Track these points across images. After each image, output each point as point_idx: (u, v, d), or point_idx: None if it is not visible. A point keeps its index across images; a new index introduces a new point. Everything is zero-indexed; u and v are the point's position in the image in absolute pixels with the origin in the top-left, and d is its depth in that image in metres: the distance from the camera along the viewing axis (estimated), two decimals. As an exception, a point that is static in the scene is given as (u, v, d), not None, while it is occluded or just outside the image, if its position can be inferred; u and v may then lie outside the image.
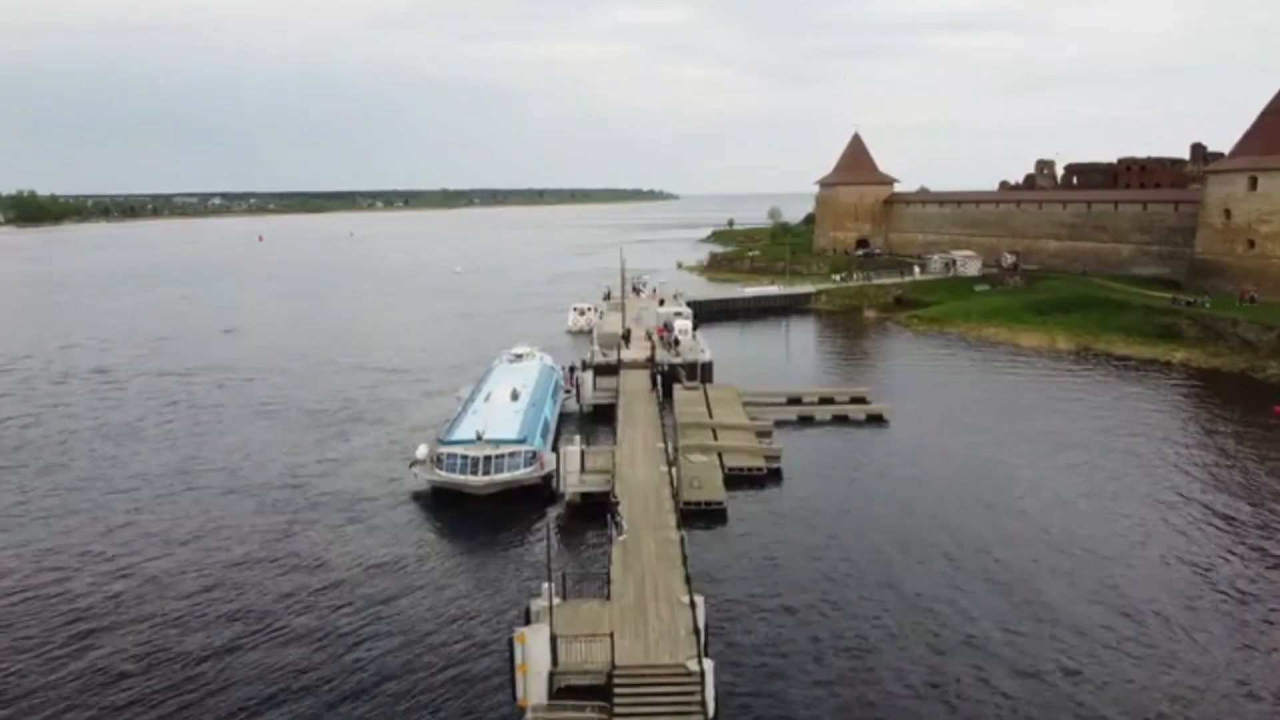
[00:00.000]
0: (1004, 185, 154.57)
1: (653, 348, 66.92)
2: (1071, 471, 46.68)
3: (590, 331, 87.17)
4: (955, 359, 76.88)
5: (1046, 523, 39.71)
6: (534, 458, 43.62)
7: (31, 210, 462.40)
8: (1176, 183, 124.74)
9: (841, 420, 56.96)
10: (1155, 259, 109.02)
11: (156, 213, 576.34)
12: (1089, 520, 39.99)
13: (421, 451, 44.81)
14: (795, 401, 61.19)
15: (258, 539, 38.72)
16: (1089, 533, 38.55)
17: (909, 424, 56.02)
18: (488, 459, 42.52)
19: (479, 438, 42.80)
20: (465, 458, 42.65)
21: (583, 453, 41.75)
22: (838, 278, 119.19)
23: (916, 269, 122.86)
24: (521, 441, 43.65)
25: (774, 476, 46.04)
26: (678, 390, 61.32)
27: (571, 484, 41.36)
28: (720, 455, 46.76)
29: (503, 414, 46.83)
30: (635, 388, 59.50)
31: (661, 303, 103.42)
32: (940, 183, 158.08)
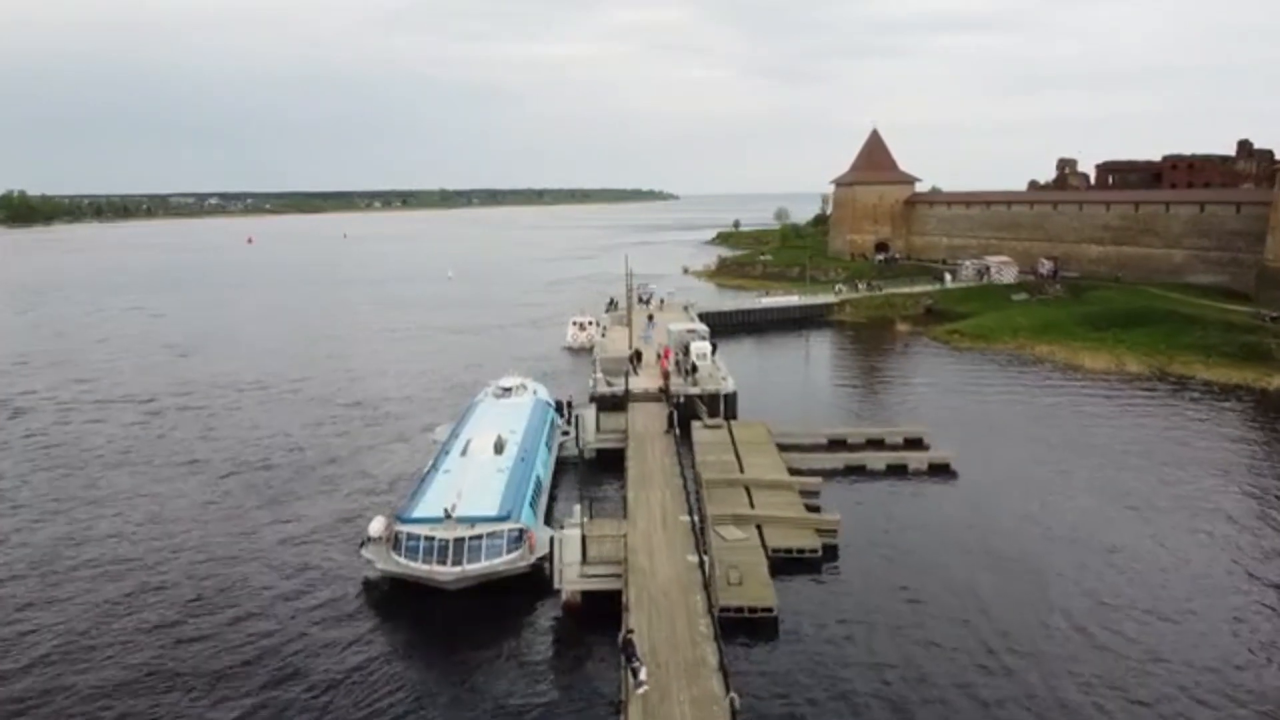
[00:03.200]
0: (1034, 185, 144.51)
1: (666, 376, 56.72)
2: (1199, 544, 36.70)
3: (591, 349, 77.06)
4: (1011, 385, 66.67)
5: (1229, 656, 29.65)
6: (521, 539, 33.53)
7: (21, 211, 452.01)
8: (1228, 181, 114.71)
9: (899, 471, 46.76)
10: (1213, 266, 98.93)
11: (151, 213, 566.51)
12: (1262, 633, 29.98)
13: (376, 527, 34.71)
14: (838, 444, 51.12)
15: (139, 661, 28.64)
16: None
17: (979, 475, 45.92)
18: (460, 543, 32.44)
19: (448, 515, 32.65)
20: (431, 541, 32.57)
21: (584, 538, 31.59)
22: (841, 288, 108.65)
23: (948, 276, 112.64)
24: (504, 518, 33.51)
25: (830, 555, 35.95)
26: (697, 430, 51.27)
27: (570, 578, 31.25)
28: (761, 529, 36.67)
29: (482, 477, 36.70)
30: (647, 428, 49.41)
31: (678, 307, 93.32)
32: (942, 183, 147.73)
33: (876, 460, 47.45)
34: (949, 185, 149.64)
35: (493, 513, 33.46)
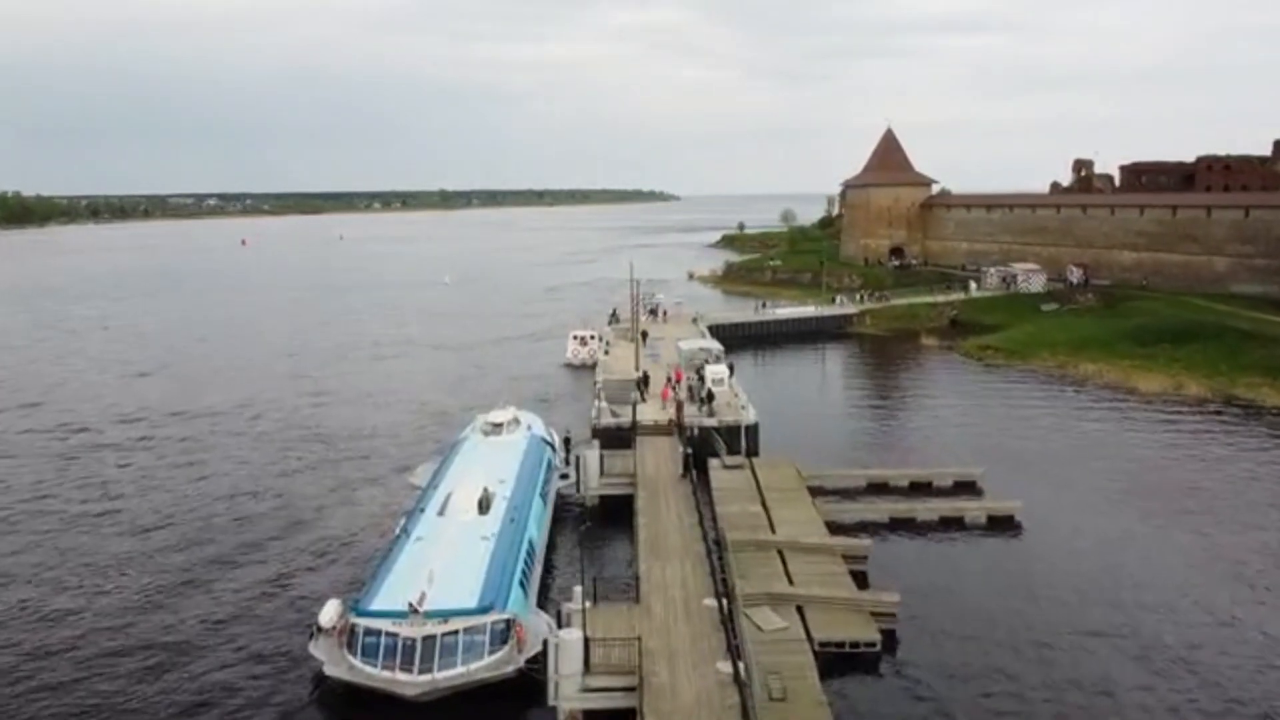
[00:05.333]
0: (1056, 188, 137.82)
1: (679, 406, 49.92)
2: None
3: (593, 366, 70.39)
4: (1059, 411, 59.88)
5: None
6: (506, 633, 26.80)
7: (16, 211, 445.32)
8: (1268, 184, 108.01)
9: (953, 524, 39.97)
10: (1260, 274, 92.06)
11: (149, 214, 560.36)
12: None
13: (328, 614, 27.94)
14: (879, 488, 44.42)
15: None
16: None
17: (1049, 530, 39.15)
18: (429, 643, 25.73)
19: (413, 610, 25.89)
20: (393, 640, 25.86)
21: (587, 640, 24.86)
22: (842, 299, 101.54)
23: (972, 284, 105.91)
24: (486, 609, 26.74)
25: (889, 645, 29.12)
26: (716, 471, 44.56)
27: (569, 694, 24.47)
28: (803, 613, 29.90)
29: (461, 549, 29.94)
30: (659, 471, 42.73)
31: (686, 319, 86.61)
32: (946, 184, 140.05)
33: (927, 511, 40.64)
34: (952, 186, 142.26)
35: (471, 603, 26.69)
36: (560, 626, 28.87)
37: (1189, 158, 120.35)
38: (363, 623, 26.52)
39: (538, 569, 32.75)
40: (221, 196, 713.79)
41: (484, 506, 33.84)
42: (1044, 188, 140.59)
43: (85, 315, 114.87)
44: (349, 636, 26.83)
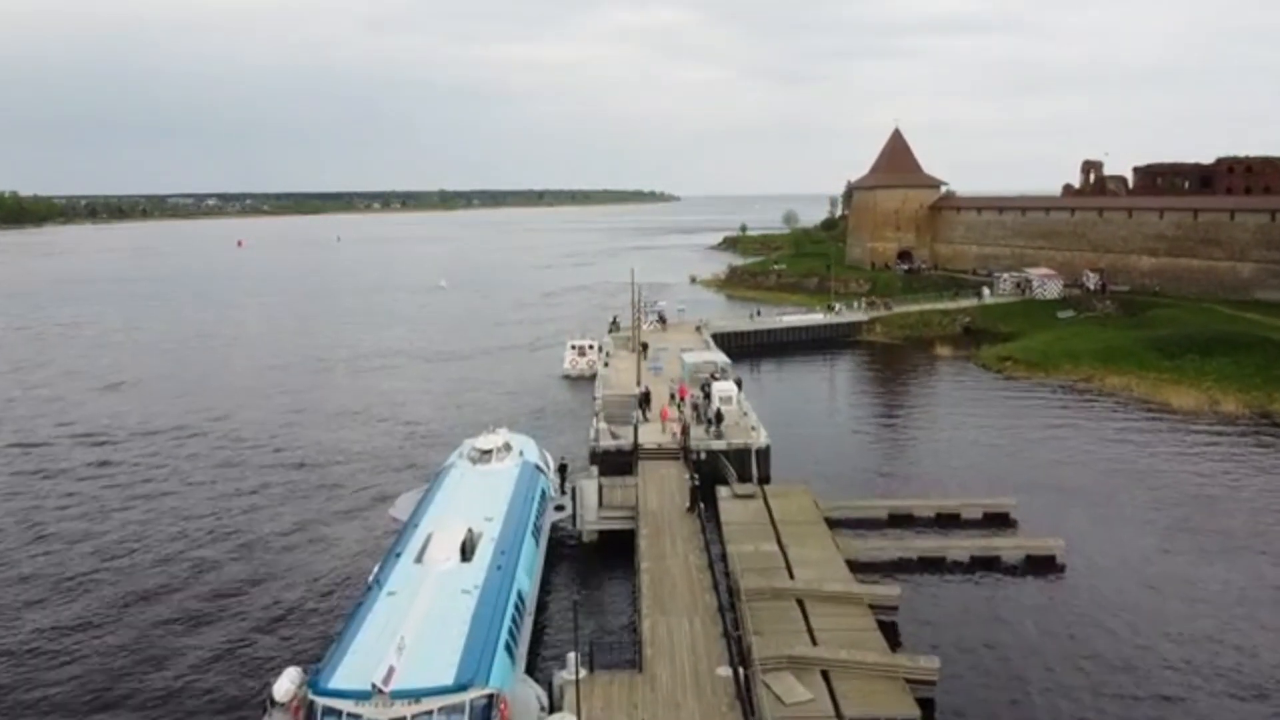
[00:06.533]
0: (1069, 190, 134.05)
1: (684, 429, 46.14)
2: None
3: (592, 377, 66.73)
4: (1089, 430, 56.10)
5: None
6: (489, 711, 22.96)
7: (13, 212, 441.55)
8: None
9: (988, 564, 36.20)
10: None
11: (147, 214, 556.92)
12: None
13: (283, 687, 24.10)
14: (901, 520, 40.69)
15: None
16: None
17: (1096, 572, 35.33)
18: (399, 727, 22.01)
19: (378, 690, 22.12)
20: (355, 722, 22.14)
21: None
22: (838, 306, 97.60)
23: (986, 290, 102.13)
24: (465, 686, 22.93)
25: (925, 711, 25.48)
26: (725, 502, 40.90)
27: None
28: (829, 680, 26.15)
29: (438, 610, 26.07)
30: (663, 503, 39.02)
31: (690, 328, 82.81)
32: (948, 184, 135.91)
33: (958, 549, 36.89)
34: (952, 188, 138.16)
35: (447, 679, 22.85)
36: (552, 698, 25.33)
37: (1195, 158, 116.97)
38: (321, 702, 22.72)
39: (527, 626, 28.95)
40: (221, 196, 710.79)
41: (467, 551, 30.04)
42: (1045, 189, 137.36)
43: (57, 321, 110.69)
44: (306, 714, 23.08)
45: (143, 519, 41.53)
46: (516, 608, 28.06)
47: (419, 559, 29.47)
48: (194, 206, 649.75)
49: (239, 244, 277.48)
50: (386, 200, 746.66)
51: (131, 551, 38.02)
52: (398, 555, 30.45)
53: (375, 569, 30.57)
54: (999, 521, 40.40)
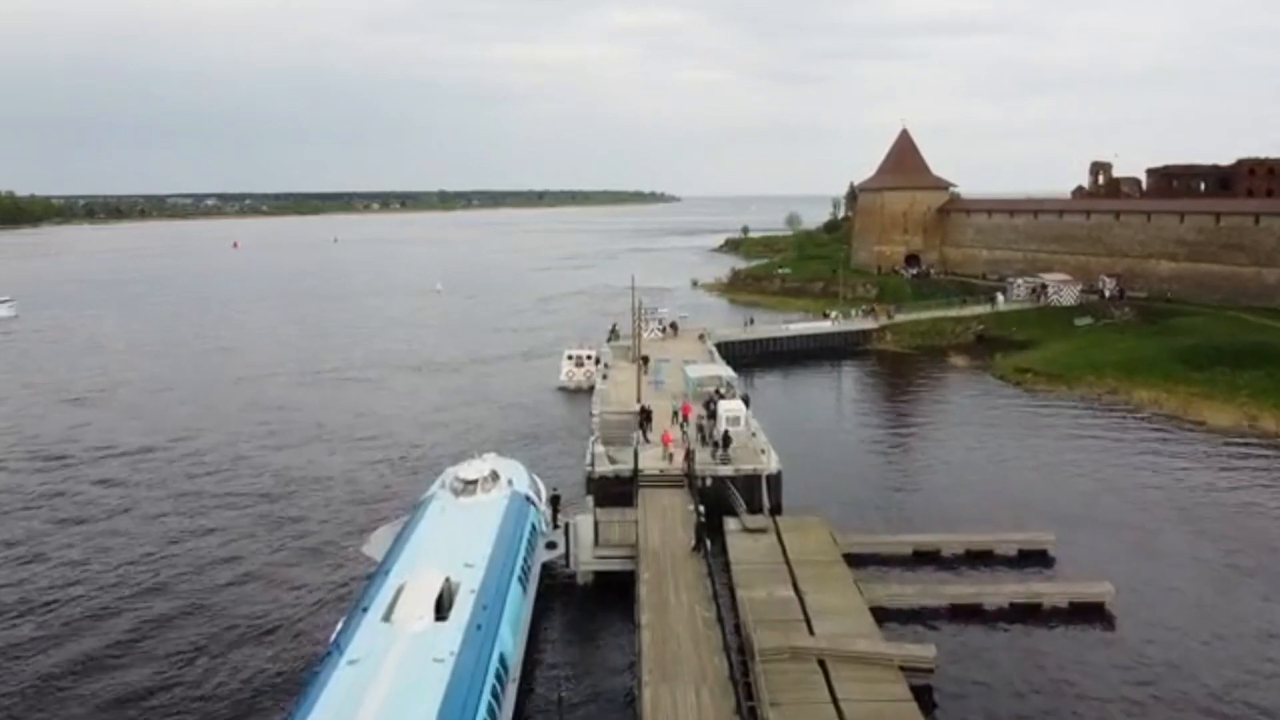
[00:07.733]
0: (1080, 192, 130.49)
1: (689, 455, 42.39)
2: None
3: (590, 389, 63.08)
4: (1121, 451, 52.30)
5: None
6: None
7: (10, 212, 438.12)
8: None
9: (1028, 613, 32.44)
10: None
11: (145, 214, 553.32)
12: None
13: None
14: (929, 558, 37.00)
15: None
16: None
17: (1145, 619, 31.64)
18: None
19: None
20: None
21: None
22: (836, 314, 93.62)
23: (999, 296, 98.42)
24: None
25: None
26: (734, 538, 37.27)
27: None
28: (860, 770, 22.51)
29: (405, 684, 22.35)
30: (665, 541, 35.28)
31: (693, 336, 79.05)
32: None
33: (995, 596, 33.13)
34: (961, 188, 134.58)
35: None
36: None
37: (1199, 159, 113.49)
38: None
39: (509, 698, 25.25)
40: (220, 197, 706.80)
41: (444, 606, 26.33)
42: (1048, 190, 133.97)
43: (36, 327, 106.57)
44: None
45: (75, 565, 36.65)
46: (498, 677, 24.40)
47: (387, 617, 25.74)
48: (193, 207, 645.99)
49: (234, 245, 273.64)
50: (386, 200, 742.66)
51: (58, 603, 33.29)
52: (364, 610, 26.72)
53: (339, 626, 26.86)
54: (1036, 559, 36.72)
